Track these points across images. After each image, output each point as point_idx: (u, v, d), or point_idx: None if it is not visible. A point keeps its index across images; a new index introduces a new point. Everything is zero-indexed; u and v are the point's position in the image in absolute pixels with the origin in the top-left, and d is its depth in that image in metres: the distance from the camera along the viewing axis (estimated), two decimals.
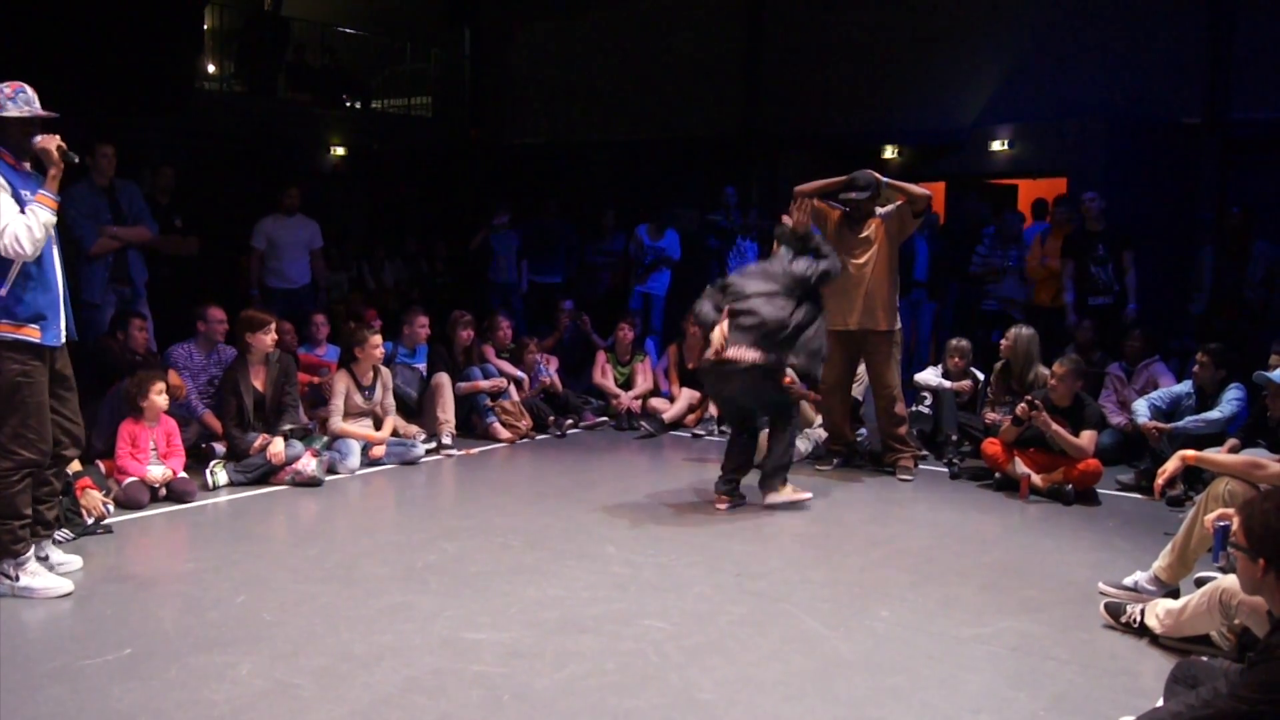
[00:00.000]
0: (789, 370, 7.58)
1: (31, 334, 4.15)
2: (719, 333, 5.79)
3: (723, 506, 5.98)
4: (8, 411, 4.14)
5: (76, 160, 4.42)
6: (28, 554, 4.28)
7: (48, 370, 4.26)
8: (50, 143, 4.24)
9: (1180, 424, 6.61)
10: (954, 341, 7.84)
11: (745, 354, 5.69)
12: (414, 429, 7.45)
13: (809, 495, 6.08)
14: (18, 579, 4.24)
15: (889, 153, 12.07)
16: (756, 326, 5.75)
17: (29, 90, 4.22)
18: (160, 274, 7.93)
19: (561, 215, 11.48)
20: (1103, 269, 8.57)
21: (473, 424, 8.00)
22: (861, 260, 6.76)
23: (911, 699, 3.51)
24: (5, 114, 4.15)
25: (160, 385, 5.99)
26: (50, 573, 4.36)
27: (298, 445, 6.44)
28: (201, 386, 6.97)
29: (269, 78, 14.26)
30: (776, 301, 5.82)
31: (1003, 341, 7.17)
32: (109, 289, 7.48)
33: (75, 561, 4.63)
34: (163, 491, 5.89)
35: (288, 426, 6.48)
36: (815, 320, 5.90)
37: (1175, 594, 4.25)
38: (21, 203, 4.13)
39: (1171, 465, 4.39)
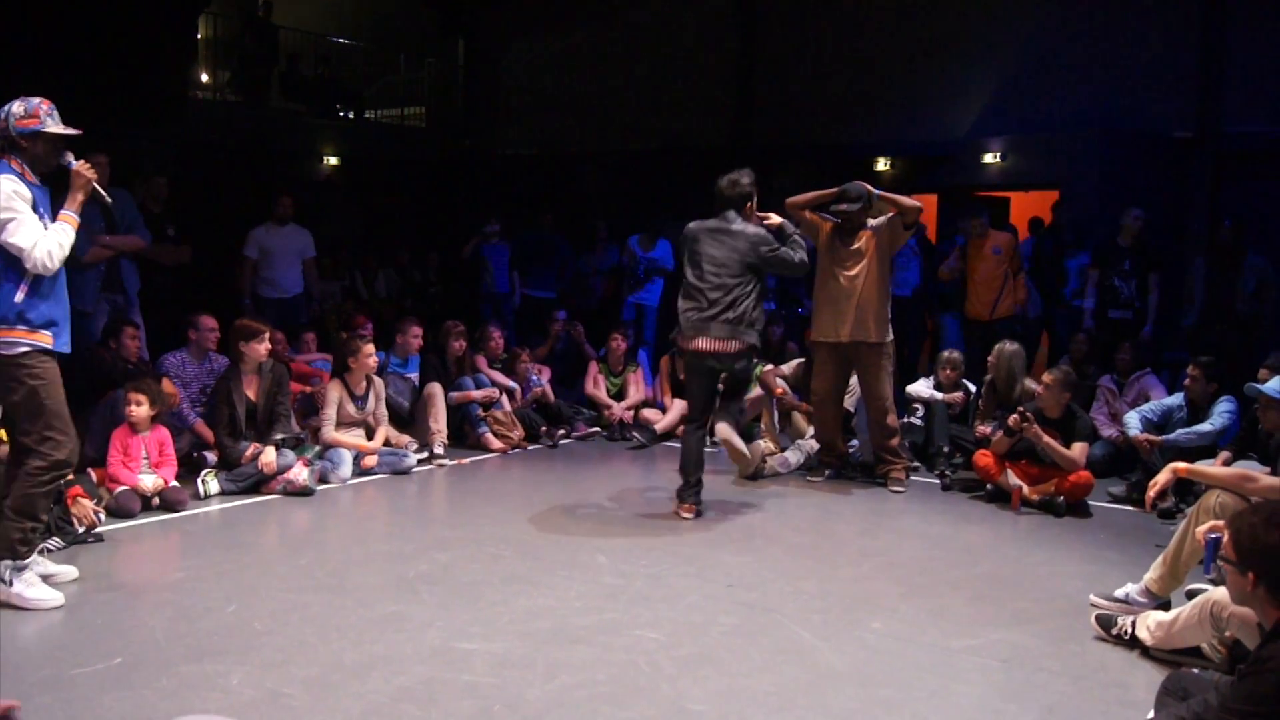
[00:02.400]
0: (780, 381, 7.63)
1: (44, 340, 4.21)
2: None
3: (689, 515, 5.99)
4: (33, 416, 4.20)
5: (110, 201, 4.71)
6: (28, 560, 4.28)
7: (59, 373, 4.30)
8: (91, 173, 4.32)
9: (1171, 436, 6.62)
10: (946, 353, 7.84)
11: (719, 345, 5.82)
12: (406, 439, 7.45)
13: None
14: (11, 584, 4.22)
15: (881, 165, 12.10)
16: (716, 311, 5.83)
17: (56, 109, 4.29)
18: (153, 283, 7.91)
19: (555, 228, 11.48)
20: (1126, 283, 8.61)
21: (465, 434, 8.00)
22: (853, 272, 6.77)
23: (902, 710, 3.51)
24: (46, 129, 4.19)
25: (138, 396, 5.94)
26: (44, 584, 4.33)
27: (289, 454, 6.43)
28: (193, 395, 6.96)
29: (261, 85, 14.27)
30: (727, 278, 5.89)
31: (989, 359, 7.18)
32: (101, 297, 7.46)
33: (70, 572, 4.61)
34: (154, 500, 5.87)
35: (280, 436, 6.47)
36: (756, 295, 5.95)
37: (1166, 606, 4.25)
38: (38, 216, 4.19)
39: (1163, 478, 4.41)
